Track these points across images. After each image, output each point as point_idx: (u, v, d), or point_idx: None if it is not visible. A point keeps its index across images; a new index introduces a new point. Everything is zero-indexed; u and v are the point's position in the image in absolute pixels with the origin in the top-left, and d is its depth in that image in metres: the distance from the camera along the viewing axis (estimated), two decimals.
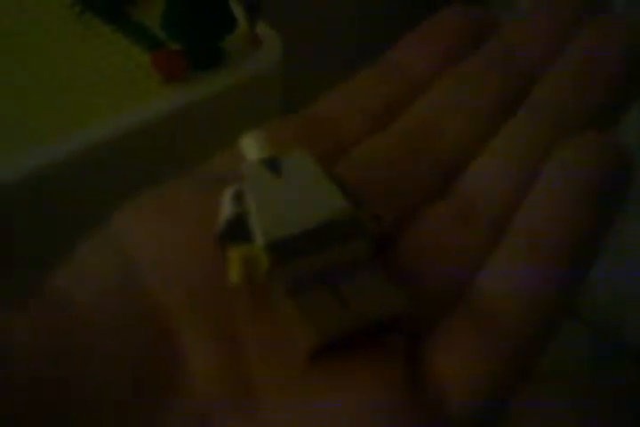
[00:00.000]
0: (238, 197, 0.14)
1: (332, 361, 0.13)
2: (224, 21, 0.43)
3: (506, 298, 0.14)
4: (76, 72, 0.46)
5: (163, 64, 0.43)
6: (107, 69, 0.46)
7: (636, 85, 0.16)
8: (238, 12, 0.44)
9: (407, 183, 0.15)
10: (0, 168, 0.40)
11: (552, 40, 0.16)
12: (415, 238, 0.15)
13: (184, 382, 0.14)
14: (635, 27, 0.15)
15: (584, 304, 0.46)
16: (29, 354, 0.13)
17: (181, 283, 0.14)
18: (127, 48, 0.47)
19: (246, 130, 0.16)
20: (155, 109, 0.43)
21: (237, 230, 0.14)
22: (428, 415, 0.13)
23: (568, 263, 0.14)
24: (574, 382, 0.44)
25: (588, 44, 0.16)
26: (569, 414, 0.42)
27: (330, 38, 0.58)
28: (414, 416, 0.13)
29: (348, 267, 0.13)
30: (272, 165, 0.15)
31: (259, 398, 0.13)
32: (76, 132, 0.42)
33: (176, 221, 0.15)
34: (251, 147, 0.15)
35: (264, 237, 0.14)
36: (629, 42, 0.15)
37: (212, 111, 0.45)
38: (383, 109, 0.16)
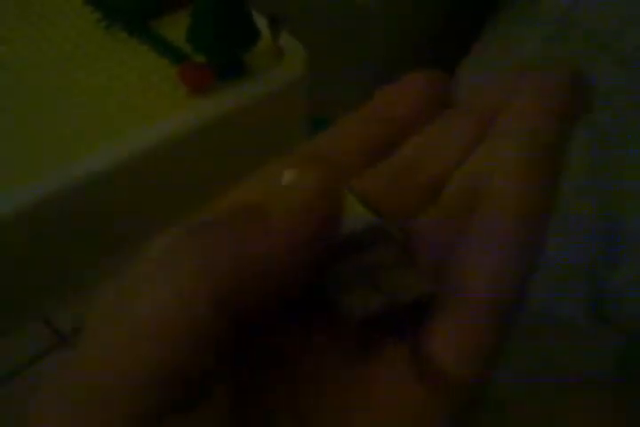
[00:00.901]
0: None
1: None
2: (248, 34, 0.44)
3: (473, 270, 0.16)
4: (103, 86, 0.47)
5: (190, 76, 0.44)
6: (134, 82, 0.47)
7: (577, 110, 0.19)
8: (262, 24, 0.45)
9: (408, 199, 0.19)
10: (28, 180, 0.41)
11: (506, 97, 0.19)
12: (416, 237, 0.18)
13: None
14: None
15: (615, 310, 0.46)
16: None
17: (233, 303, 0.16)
18: (153, 61, 0.48)
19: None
20: (182, 121, 0.43)
21: None
22: (433, 387, 0.15)
23: (528, 228, 0.16)
24: (615, 386, 0.44)
25: (536, 85, 0.19)
26: (611, 418, 0.43)
27: (358, 55, 0.59)
28: (424, 387, 0.15)
29: (383, 264, 0.17)
30: None
31: (317, 387, 0.15)
32: (105, 145, 0.43)
33: (215, 251, 0.16)
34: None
35: None
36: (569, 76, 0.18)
37: (239, 122, 0.46)
38: (374, 148, 0.19)
